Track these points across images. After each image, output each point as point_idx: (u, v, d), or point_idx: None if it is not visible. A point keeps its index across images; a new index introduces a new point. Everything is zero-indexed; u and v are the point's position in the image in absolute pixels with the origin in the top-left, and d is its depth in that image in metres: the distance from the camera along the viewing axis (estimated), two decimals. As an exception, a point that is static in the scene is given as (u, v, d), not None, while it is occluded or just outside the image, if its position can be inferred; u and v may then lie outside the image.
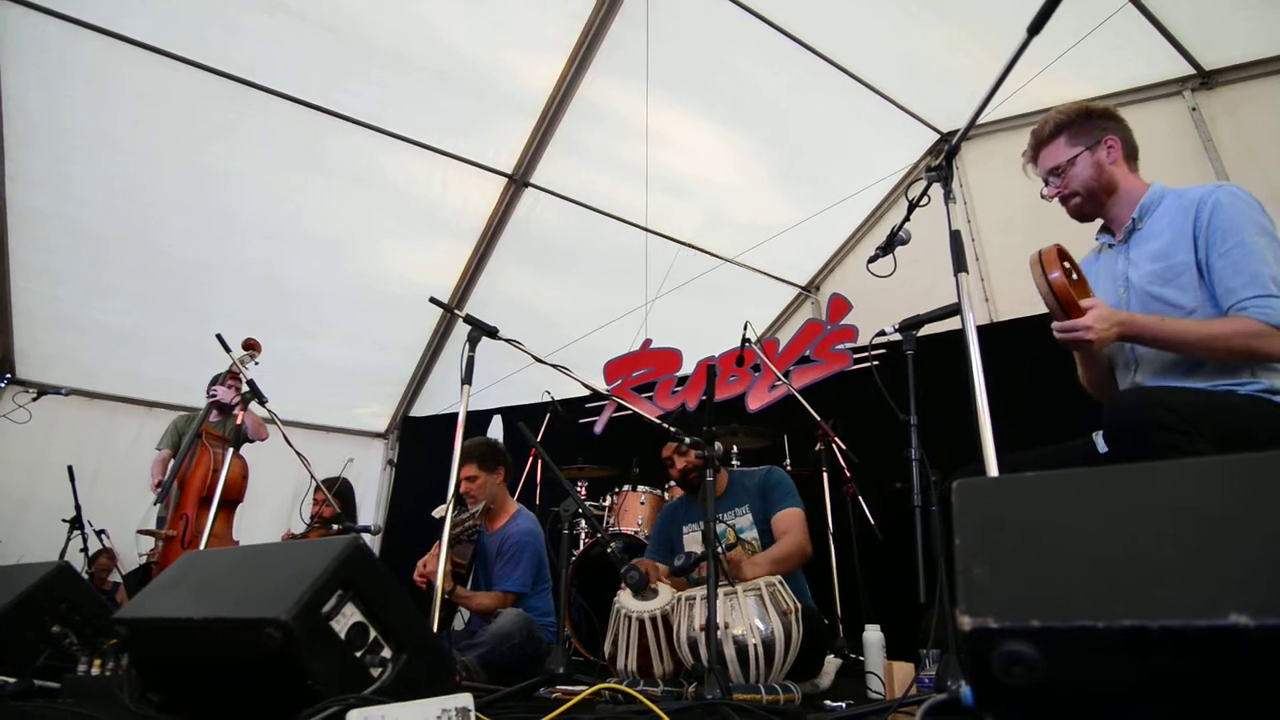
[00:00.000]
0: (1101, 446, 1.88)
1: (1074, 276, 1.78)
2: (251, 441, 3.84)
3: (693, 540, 2.97)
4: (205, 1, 4.11)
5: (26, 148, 4.41)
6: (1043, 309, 1.83)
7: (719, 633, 1.99)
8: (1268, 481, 0.72)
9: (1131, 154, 1.97)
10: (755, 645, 2.05)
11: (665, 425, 2.57)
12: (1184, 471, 0.79)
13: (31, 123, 4.33)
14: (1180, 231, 1.81)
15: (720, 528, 2.87)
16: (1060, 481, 0.83)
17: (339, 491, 4.35)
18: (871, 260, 2.21)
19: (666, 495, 4.17)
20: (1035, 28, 1.56)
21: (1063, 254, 1.77)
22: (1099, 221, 2.05)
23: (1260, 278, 1.67)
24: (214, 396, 4.23)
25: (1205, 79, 4.46)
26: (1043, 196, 2.04)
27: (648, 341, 5.66)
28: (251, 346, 3.87)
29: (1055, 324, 1.76)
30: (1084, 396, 2.13)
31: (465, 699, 1.25)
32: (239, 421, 3.32)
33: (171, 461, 4.49)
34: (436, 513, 2.64)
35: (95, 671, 1.61)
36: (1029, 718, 0.71)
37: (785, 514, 2.76)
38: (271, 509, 5.69)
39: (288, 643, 1.20)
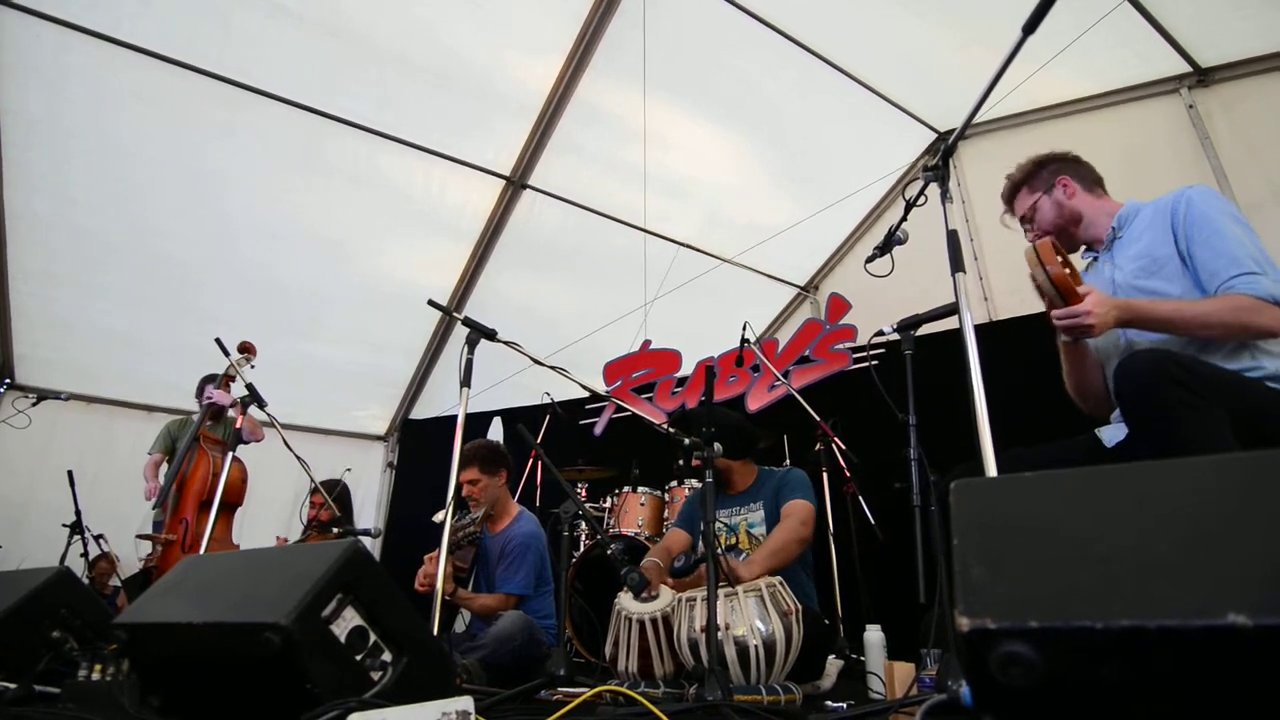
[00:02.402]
0: (1106, 441, 1.89)
1: (1067, 270, 1.80)
2: (246, 443, 3.86)
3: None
4: (203, 5, 4.11)
5: (25, 151, 4.41)
6: (1041, 307, 1.84)
7: (720, 634, 1.98)
8: (1265, 480, 0.72)
9: (1091, 184, 2.13)
10: (756, 646, 2.05)
11: (662, 427, 2.57)
12: (1182, 470, 0.79)
13: (30, 127, 4.33)
14: (1159, 230, 1.89)
15: (718, 526, 2.87)
16: (1058, 481, 0.83)
17: (337, 495, 4.35)
18: (869, 260, 2.21)
19: (666, 496, 4.17)
20: (1030, 27, 1.56)
21: (1057, 247, 1.82)
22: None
23: (1240, 258, 1.74)
24: (209, 399, 4.22)
25: (1202, 76, 4.47)
26: (1029, 241, 2.16)
27: (647, 342, 5.66)
28: (246, 349, 3.87)
29: (1055, 311, 1.78)
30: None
31: (466, 702, 1.25)
32: (238, 425, 3.32)
33: (165, 465, 4.49)
34: (438, 517, 2.64)
35: (96, 676, 1.61)
36: (1028, 718, 0.70)
37: (789, 504, 2.77)
38: (272, 513, 5.70)
39: (287, 647, 1.20)
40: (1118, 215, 2.03)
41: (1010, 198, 2.22)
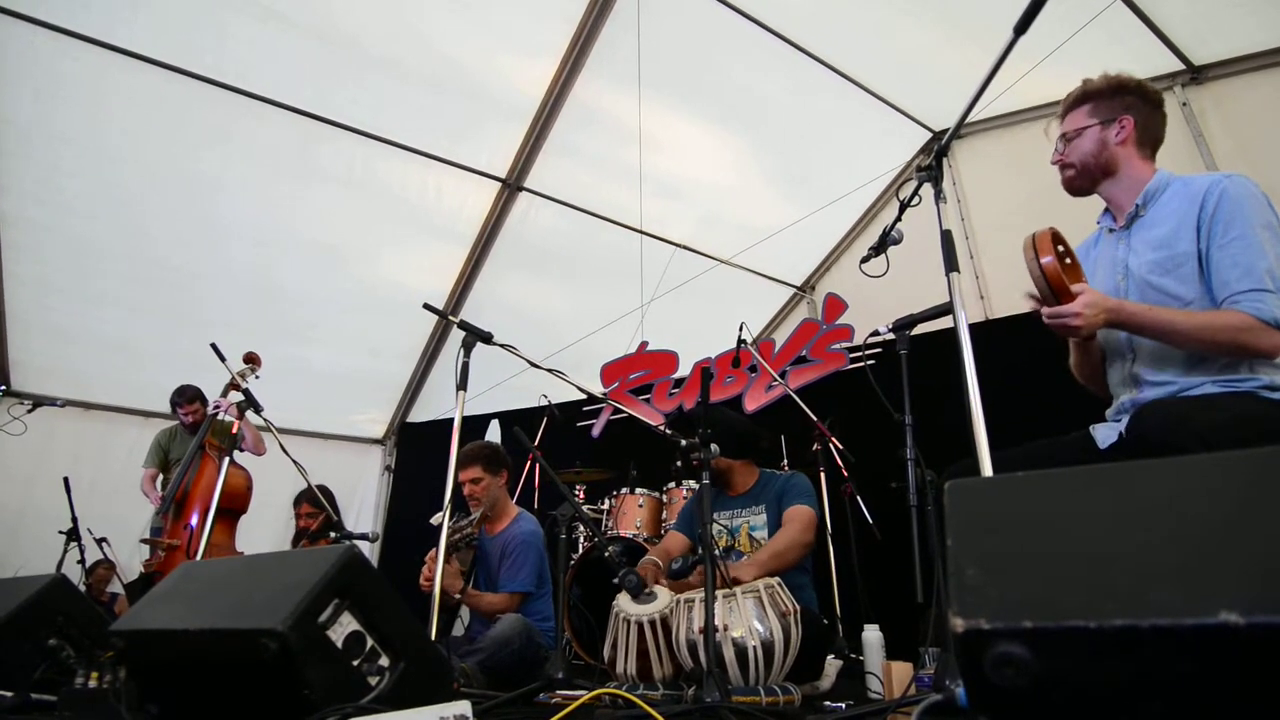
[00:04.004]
0: (1099, 442, 1.89)
1: (1067, 261, 1.76)
2: (242, 451, 3.84)
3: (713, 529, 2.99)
4: (197, 10, 4.11)
5: (19, 159, 4.40)
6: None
7: (718, 635, 1.98)
8: (1258, 479, 0.72)
9: (1147, 141, 1.92)
10: (754, 647, 2.05)
11: (659, 429, 2.57)
12: (1175, 470, 0.79)
13: (24, 134, 4.32)
14: (1184, 220, 1.78)
15: (715, 528, 2.88)
16: (1051, 481, 0.83)
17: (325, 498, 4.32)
18: (864, 260, 2.21)
19: (664, 498, 4.17)
20: (1021, 27, 1.57)
21: (1056, 237, 1.76)
22: (1100, 205, 2.02)
23: (1255, 271, 1.65)
24: (215, 407, 4.23)
25: (1195, 74, 4.49)
26: (1053, 163, 2.01)
27: (644, 344, 5.66)
28: (252, 360, 3.86)
29: (1044, 309, 1.74)
30: (1080, 391, 2.13)
31: (464, 706, 1.25)
32: (235, 430, 3.33)
33: (160, 477, 4.49)
34: (436, 519, 2.64)
35: (92, 684, 1.60)
36: (1022, 718, 0.70)
37: (791, 510, 2.77)
38: (271, 517, 5.68)
39: (284, 653, 1.20)
40: (1145, 189, 1.87)
41: (1071, 107, 1.96)
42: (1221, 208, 1.72)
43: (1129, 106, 1.90)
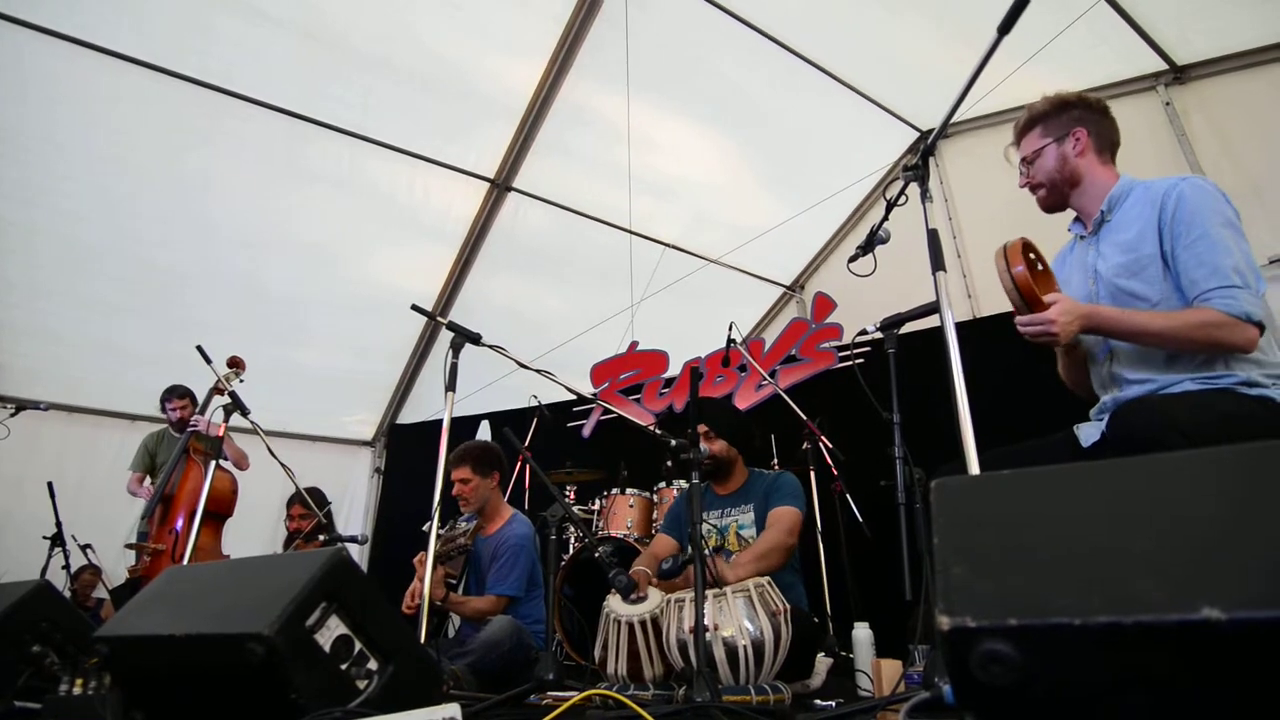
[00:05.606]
0: (1082, 440, 1.90)
1: (1039, 269, 1.79)
2: (226, 460, 3.82)
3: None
4: (184, 11, 4.08)
5: (7, 161, 4.35)
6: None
7: (708, 635, 1.99)
8: (1240, 476, 0.73)
9: (1104, 147, 1.99)
10: (745, 646, 2.05)
11: (650, 429, 2.57)
12: (1158, 467, 0.79)
13: (9, 136, 4.27)
14: (1147, 223, 1.82)
15: (705, 527, 2.88)
16: (1037, 479, 0.83)
17: (318, 502, 4.30)
18: (852, 260, 2.22)
19: (655, 498, 4.17)
20: (1005, 27, 1.58)
21: (1028, 246, 1.79)
22: (1072, 213, 2.07)
23: (1223, 269, 1.69)
24: (194, 426, 4.21)
25: (1178, 74, 4.52)
26: (1020, 186, 2.08)
27: (634, 344, 5.66)
28: (236, 364, 3.83)
29: (1019, 318, 1.77)
30: (1066, 391, 2.15)
31: (453, 709, 1.25)
32: (220, 433, 3.30)
33: (146, 480, 4.47)
34: (427, 528, 2.62)
35: (77, 691, 1.59)
36: (1009, 715, 0.71)
37: (775, 511, 2.78)
38: (260, 520, 5.64)
39: (271, 657, 1.19)
40: (1109, 195, 1.93)
41: (1022, 133, 2.06)
42: (1181, 209, 1.77)
43: (1078, 119, 1.98)
